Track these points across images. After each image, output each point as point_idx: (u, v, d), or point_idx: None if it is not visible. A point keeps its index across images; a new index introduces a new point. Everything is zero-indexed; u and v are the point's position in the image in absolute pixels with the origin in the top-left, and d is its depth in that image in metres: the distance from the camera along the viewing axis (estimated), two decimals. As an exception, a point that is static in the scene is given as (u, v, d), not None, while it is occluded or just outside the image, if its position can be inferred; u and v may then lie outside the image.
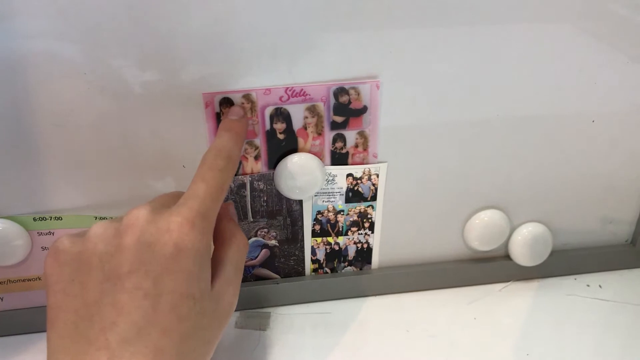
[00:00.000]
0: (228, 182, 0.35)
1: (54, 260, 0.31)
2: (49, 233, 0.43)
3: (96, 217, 0.43)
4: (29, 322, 0.46)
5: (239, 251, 0.35)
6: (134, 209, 0.31)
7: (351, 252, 0.49)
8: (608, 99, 0.45)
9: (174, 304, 0.29)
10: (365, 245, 0.49)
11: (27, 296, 0.45)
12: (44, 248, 0.44)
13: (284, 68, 0.40)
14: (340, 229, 0.48)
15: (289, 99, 0.41)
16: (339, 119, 0.42)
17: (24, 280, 0.45)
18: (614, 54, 0.43)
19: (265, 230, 0.46)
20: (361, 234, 0.48)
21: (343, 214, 0.47)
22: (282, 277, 0.49)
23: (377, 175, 0.45)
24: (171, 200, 0.33)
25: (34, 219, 0.42)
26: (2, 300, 0.45)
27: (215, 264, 0.33)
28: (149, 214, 0.31)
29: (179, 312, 0.30)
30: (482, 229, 0.49)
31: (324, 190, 0.45)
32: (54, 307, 0.31)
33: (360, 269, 0.50)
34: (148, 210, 0.31)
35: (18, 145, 0.40)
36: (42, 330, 0.46)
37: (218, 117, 0.40)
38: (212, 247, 0.34)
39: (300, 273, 0.49)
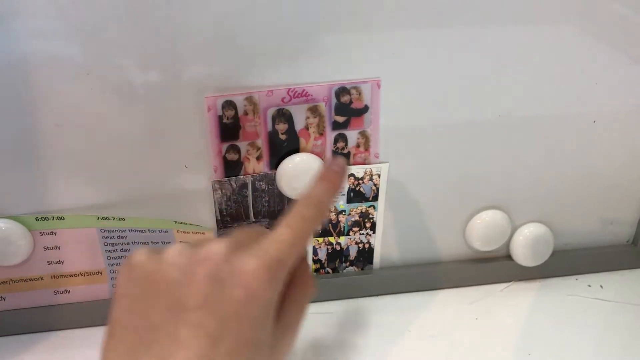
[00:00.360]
0: (313, 231, 0.33)
1: (127, 273, 0.31)
2: (52, 233, 0.43)
3: (98, 217, 0.43)
4: (31, 322, 0.46)
5: (306, 297, 0.34)
6: (213, 242, 0.30)
7: (353, 252, 0.49)
8: (609, 100, 0.45)
9: (233, 349, 0.29)
10: (366, 246, 0.49)
11: (29, 296, 0.45)
12: (46, 248, 0.44)
13: (286, 69, 0.40)
14: (342, 229, 0.48)
15: (290, 99, 0.41)
16: (340, 119, 0.42)
17: (26, 280, 0.45)
18: (615, 54, 0.43)
19: (267, 230, 0.46)
20: (363, 234, 0.48)
21: (344, 214, 0.47)
22: (283, 277, 0.49)
23: (379, 176, 0.45)
24: (251, 238, 0.32)
25: (37, 219, 0.43)
26: (4, 300, 0.45)
27: (281, 305, 0.32)
28: (226, 250, 0.30)
29: (237, 357, 0.29)
30: (483, 229, 0.49)
31: (325, 191, 0.45)
32: (116, 321, 0.30)
33: (362, 269, 0.50)
34: (226, 246, 0.30)
35: (20, 145, 0.40)
36: (44, 330, 0.46)
37: (220, 120, 0.40)
38: None
39: (302, 273, 0.49)
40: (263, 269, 0.29)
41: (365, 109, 0.42)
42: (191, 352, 0.28)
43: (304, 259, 0.34)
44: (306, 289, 0.33)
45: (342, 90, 0.41)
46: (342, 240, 0.48)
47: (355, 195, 0.46)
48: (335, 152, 0.44)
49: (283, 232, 0.31)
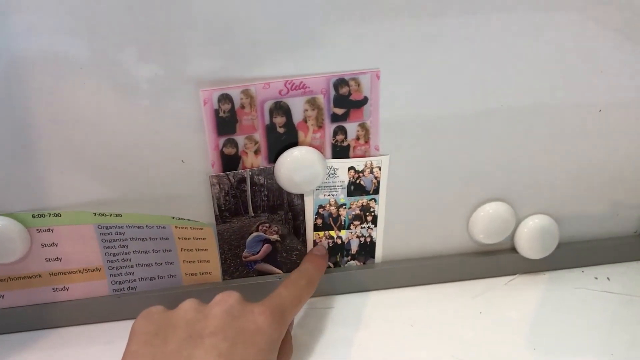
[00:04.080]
0: (305, 299, 0.41)
1: (144, 317, 0.36)
2: (48, 230, 0.43)
3: (95, 214, 0.43)
4: (29, 319, 0.46)
5: (286, 356, 0.39)
6: (226, 292, 0.37)
7: (354, 246, 0.48)
8: (615, 88, 0.44)
9: None
10: (368, 239, 0.48)
11: (28, 293, 0.45)
12: (43, 245, 0.43)
13: (282, 60, 0.39)
14: (343, 223, 0.47)
15: (288, 92, 0.40)
16: (339, 111, 0.41)
17: (24, 278, 0.44)
18: (621, 41, 0.42)
19: (267, 225, 0.46)
20: (364, 227, 0.48)
21: (345, 208, 0.46)
22: (284, 272, 0.49)
23: (379, 168, 0.45)
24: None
25: (33, 216, 0.42)
26: (2, 297, 0.45)
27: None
28: (238, 297, 0.37)
29: None
30: (487, 222, 0.48)
31: (325, 184, 0.45)
32: (133, 352, 0.34)
33: (364, 263, 0.50)
34: (238, 294, 0.37)
35: (15, 141, 0.39)
36: (42, 328, 0.46)
37: (217, 114, 0.40)
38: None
39: (303, 268, 0.49)
40: (268, 312, 0.36)
41: (365, 100, 0.41)
42: None
43: (288, 331, 0.40)
44: (287, 351, 0.39)
45: (340, 82, 0.40)
46: (343, 234, 0.48)
47: (356, 189, 0.45)
48: (334, 145, 0.43)
49: (283, 292, 0.39)
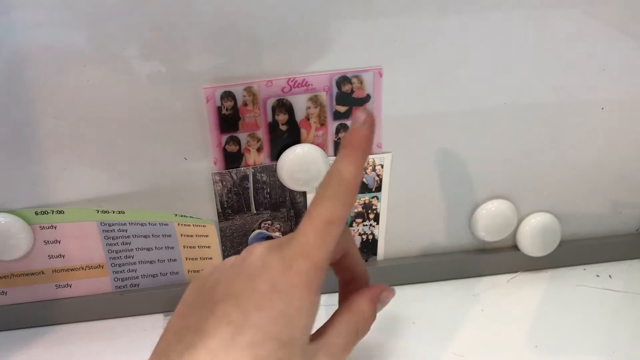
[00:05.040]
0: (341, 214, 0.29)
1: (193, 282, 0.32)
2: (51, 227, 0.43)
3: (98, 211, 0.43)
4: (32, 316, 0.46)
5: (354, 325, 0.31)
6: (254, 245, 0.30)
7: (356, 244, 0.48)
8: (617, 86, 0.44)
9: (253, 341, 0.27)
10: (370, 237, 0.48)
11: (31, 290, 0.45)
12: (46, 242, 0.43)
13: (285, 58, 0.39)
14: (345, 221, 0.47)
15: (291, 89, 0.40)
16: (342, 109, 0.41)
17: (27, 275, 0.45)
18: (623, 39, 0.42)
19: (269, 222, 0.46)
20: (366, 225, 0.48)
21: (347, 206, 0.46)
22: (286, 270, 0.49)
23: (382, 166, 0.45)
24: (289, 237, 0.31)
25: (36, 213, 0.42)
26: (5, 294, 0.45)
27: (327, 325, 0.31)
28: (265, 250, 0.29)
29: (257, 351, 0.27)
30: (489, 220, 0.48)
31: (327, 182, 0.45)
32: (169, 323, 0.30)
33: (366, 261, 0.50)
34: (264, 247, 0.30)
35: (18, 138, 0.39)
36: (45, 324, 0.46)
37: (219, 111, 0.40)
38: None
39: (305, 265, 0.49)
40: (285, 263, 0.28)
41: (367, 98, 0.41)
42: (213, 341, 0.27)
43: (361, 279, 0.31)
44: (358, 315, 0.30)
45: (343, 79, 0.40)
46: (346, 231, 0.48)
47: (358, 186, 0.45)
48: (337, 143, 0.43)
49: (304, 232, 0.29)
